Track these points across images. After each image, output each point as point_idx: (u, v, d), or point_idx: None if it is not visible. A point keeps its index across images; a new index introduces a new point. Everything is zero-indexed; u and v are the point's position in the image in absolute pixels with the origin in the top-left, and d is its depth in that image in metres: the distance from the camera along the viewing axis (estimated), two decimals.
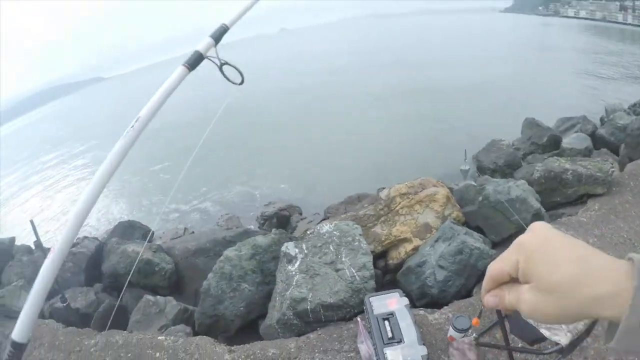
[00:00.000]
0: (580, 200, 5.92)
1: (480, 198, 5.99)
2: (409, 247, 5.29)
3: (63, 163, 23.20)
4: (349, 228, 4.59)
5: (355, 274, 4.23)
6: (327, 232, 4.53)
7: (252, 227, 8.18)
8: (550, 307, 0.54)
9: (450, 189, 6.31)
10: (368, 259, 4.41)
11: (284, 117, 18.81)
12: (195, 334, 4.86)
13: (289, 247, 4.47)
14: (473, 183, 6.80)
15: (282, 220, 7.97)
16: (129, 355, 4.54)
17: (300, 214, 8.36)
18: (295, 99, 22.94)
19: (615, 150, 9.23)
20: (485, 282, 0.64)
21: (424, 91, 17.98)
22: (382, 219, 5.44)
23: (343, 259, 4.31)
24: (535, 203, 5.56)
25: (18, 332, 0.76)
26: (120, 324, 5.59)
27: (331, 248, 4.38)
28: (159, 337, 4.65)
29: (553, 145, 10.53)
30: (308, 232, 4.68)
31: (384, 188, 9.02)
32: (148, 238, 8.39)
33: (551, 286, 0.54)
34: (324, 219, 7.15)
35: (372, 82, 22.51)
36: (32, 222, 7.03)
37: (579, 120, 11.66)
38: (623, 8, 70.69)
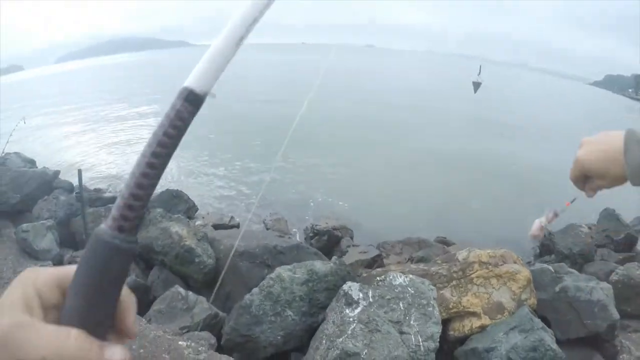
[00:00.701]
0: None
1: (557, 289, 5.33)
2: (475, 323, 4.60)
3: (132, 116, 23.38)
4: (425, 288, 3.95)
5: (421, 344, 3.60)
6: (400, 285, 3.90)
7: (297, 237, 7.72)
8: (609, 182, 0.92)
9: None
10: (437, 330, 3.78)
11: (363, 134, 18.12)
12: (219, 347, 4.33)
13: (353, 289, 3.88)
14: (550, 268, 6.03)
15: (332, 240, 7.32)
16: (141, 351, 4.02)
17: (352, 238, 7.71)
18: (379, 117, 22.26)
19: None
20: (576, 185, 1.01)
21: (504, 158, 16.84)
22: (454, 282, 4.75)
23: (411, 322, 3.68)
24: (615, 313, 4.99)
25: (197, 78, 0.41)
26: (139, 304, 5.11)
27: (401, 306, 3.75)
28: (180, 342, 4.13)
29: (628, 245, 9.55)
30: (378, 278, 4.06)
31: (444, 237, 8.40)
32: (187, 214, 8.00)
33: (600, 173, 0.92)
34: (378, 255, 6.55)
35: (454, 132, 21.50)
36: (79, 171, 6.69)
37: None
38: None
